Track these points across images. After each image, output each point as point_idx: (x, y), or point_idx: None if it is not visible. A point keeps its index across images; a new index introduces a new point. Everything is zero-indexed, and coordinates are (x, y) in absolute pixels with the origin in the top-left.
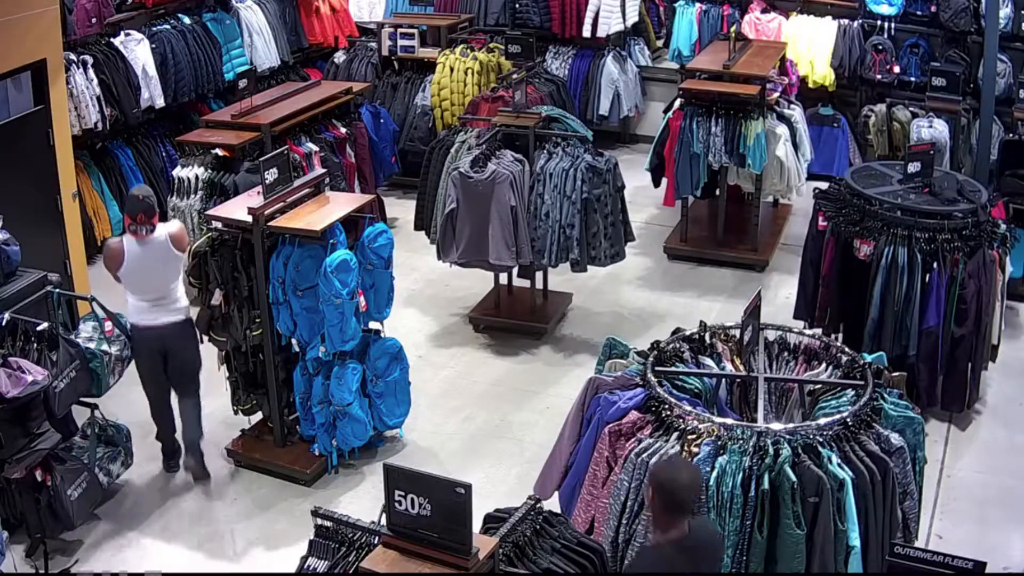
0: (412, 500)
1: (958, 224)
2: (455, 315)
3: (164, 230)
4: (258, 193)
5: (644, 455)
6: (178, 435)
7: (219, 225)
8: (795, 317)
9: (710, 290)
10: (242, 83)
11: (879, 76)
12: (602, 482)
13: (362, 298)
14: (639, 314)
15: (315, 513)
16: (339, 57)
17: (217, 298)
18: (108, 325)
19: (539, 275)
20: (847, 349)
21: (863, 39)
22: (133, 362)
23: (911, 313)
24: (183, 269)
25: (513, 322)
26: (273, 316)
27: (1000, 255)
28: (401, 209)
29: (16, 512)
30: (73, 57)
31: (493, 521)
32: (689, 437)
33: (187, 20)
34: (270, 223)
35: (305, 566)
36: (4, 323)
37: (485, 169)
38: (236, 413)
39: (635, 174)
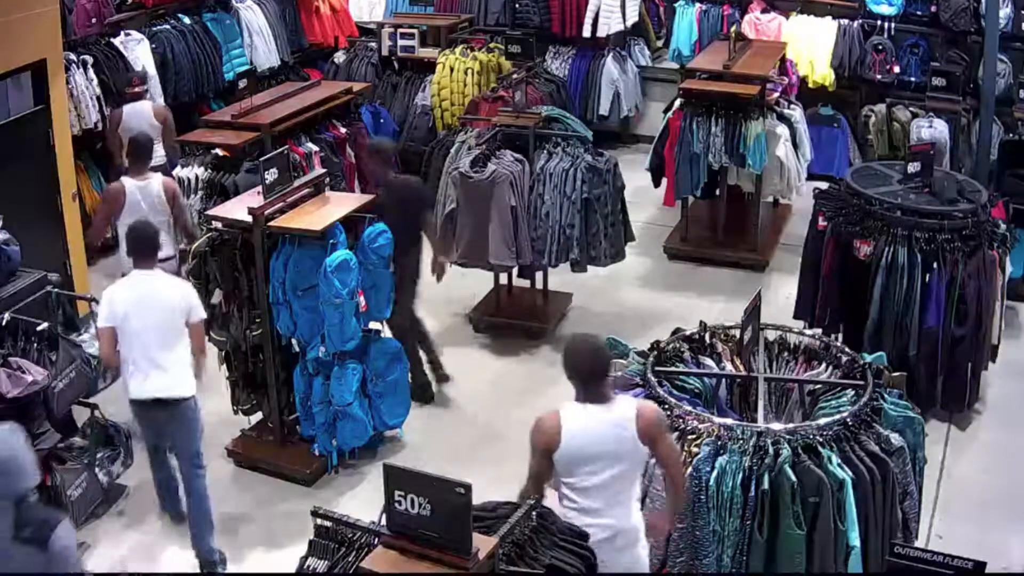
0: (412, 500)
1: (958, 224)
2: (455, 315)
3: (159, 179)
4: (258, 193)
5: None
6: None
7: (219, 225)
8: (795, 317)
9: (710, 290)
10: (242, 83)
11: (879, 76)
12: None
13: (362, 298)
14: (639, 314)
15: (315, 513)
16: (339, 57)
17: (217, 298)
18: None
19: (539, 275)
20: (847, 349)
21: (863, 39)
22: None
23: (911, 313)
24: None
25: (513, 322)
26: (273, 316)
27: (1000, 255)
28: None
29: None
30: (73, 57)
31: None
32: (689, 437)
33: (187, 20)
34: (270, 223)
35: (305, 566)
36: (4, 323)
37: (485, 169)
38: (236, 413)
39: (635, 174)
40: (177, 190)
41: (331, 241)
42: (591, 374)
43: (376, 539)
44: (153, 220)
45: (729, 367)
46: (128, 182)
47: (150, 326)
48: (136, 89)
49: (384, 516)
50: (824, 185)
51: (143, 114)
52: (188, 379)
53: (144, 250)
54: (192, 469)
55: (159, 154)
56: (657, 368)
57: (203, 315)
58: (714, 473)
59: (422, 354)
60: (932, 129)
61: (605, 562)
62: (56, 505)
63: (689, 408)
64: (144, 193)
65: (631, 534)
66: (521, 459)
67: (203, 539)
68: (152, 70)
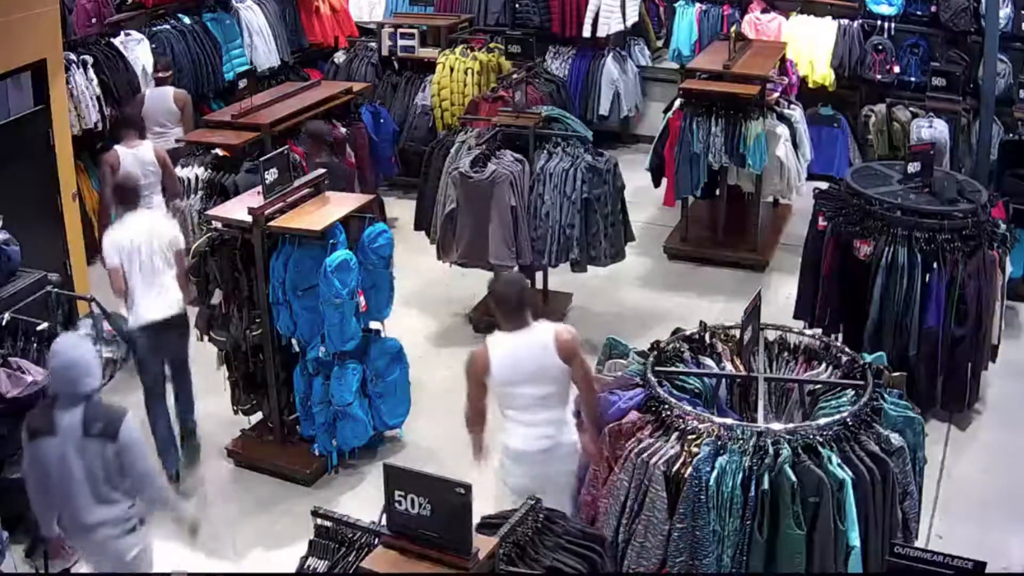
0: (412, 500)
1: (958, 224)
2: (455, 315)
3: (149, 146)
4: (258, 193)
5: (644, 455)
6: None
7: (219, 225)
8: (795, 317)
9: (710, 290)
10: (242, 83)
11: (879, 76)
12: (602, 482)
13: (362, 298)
14: (639, 314)
15: (315, 513)
16: (339, 57)
17: (217, 298)
18: (107, 325)
19: (539, 275)
20: (847, 349)
21: (863, 39)
22: (124, 366)
23: (911, 313)
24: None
25: None
26: (273, 316)
27: (1000, 255)
28: (401, 209)
29: (16, 512)
30: (73, 57)
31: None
32: (689, 437)
33: (187, 20)
34: (270, 223)
35: (305, 566)
36: (4, 323)
37: (485, 169)
38: (236, 413)
39: (635, 174)
40: (167, 157)
41: (331, 241)
42: (516, 306)
43: (376, 539)
44: (145, 184)
45: (729, 367)
46: (120, 148)
47: (154, 253)
48: (160, 74)
49: (384, 516)
50: (824, 185)
51: (164, 98)
52: (180, 297)
53: (131, 197)
54: (185, 373)
55: (177, 137)
56: (657, 368)
57: (183, 244)
58: (714, 473)
59: None
60: (932, 129)
61: (549, 472)
62: None
63: (689, 408)
64: (136, 158)
65: (570, 447)
66: None
67: (187, 415)
68: (152, 70)
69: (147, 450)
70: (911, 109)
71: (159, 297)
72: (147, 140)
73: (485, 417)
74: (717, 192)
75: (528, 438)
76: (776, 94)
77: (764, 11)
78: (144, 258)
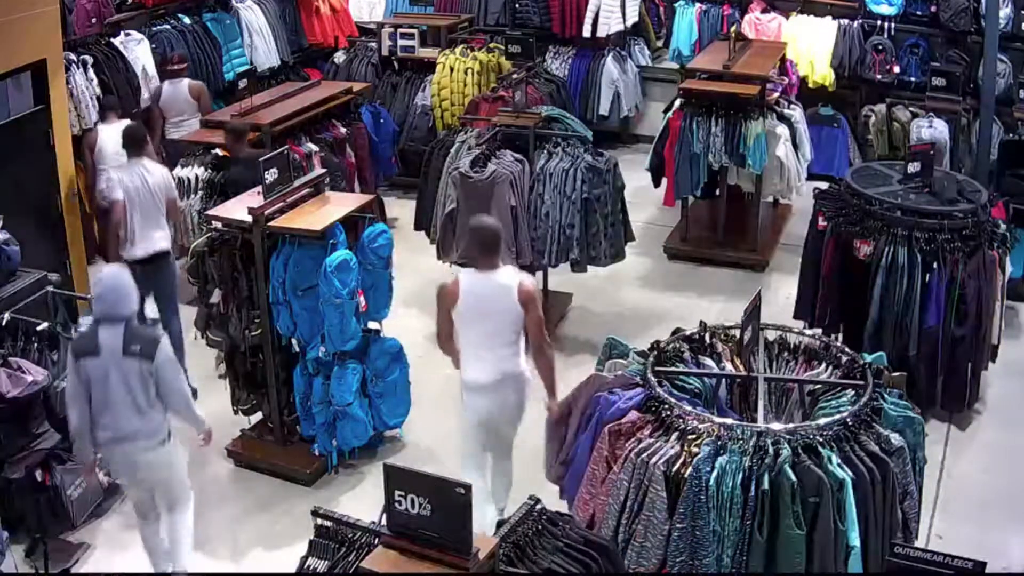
0: (412, 500)
1: (958, 224)
2: None
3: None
4: (258, 193)
5: (644, 455)
6: None
7: (219, 225)
8: (795, 317)
9: (710, 290)
10: (242, 83)
11: (879, 76)
12: (601, 481)
13: (362, 298)
14: (639, 314)
15: (315, 513)
16: (339, 57)
17: (216, 298)
18: None
19: (539, 275)
20: (847, 349)
21: (863, 39)
22: None
23: (911, 313)
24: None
25: None
26: (273, 316)
27: (1000, 255)
28: (401, 209)
29: (16, 512)
30: (73, 57)
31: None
32: (689, 437)
33: (187, 20)
34: (270, 223)
35: (305, 566)
36: (4, 323)
37: (485, 169)
38: (236, 413)
39: (635, 174)
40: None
41: (331, 241)
42: (491, 247)
43: (376, 539)
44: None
45: (729, 367)
46: (101, 127)
47: (153, 191)
48: (176, 66)
49: (384, 516)
50: (824, 185)
51: (180, 90)
52: (166, 235)
53: (135, 144)
54: (171, 315)
55: (193, 128)
56: (657, 368)
57: (176, 194)
58: (714, 473)
59: None
60: (932, 129)
61: (500, 402)
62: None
63: (689, 408)
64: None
65: (519, 378)
66: (520, 459)
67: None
68: (152, 70)
69: (179, 368)
70: (911, 109)
71: (149, 238)
72: (125, 120)
73: (453, 339)
74: (717, 192)
75: (481, 371)
76: (776, 94)
77: (764, 11)
78: (143, 199)
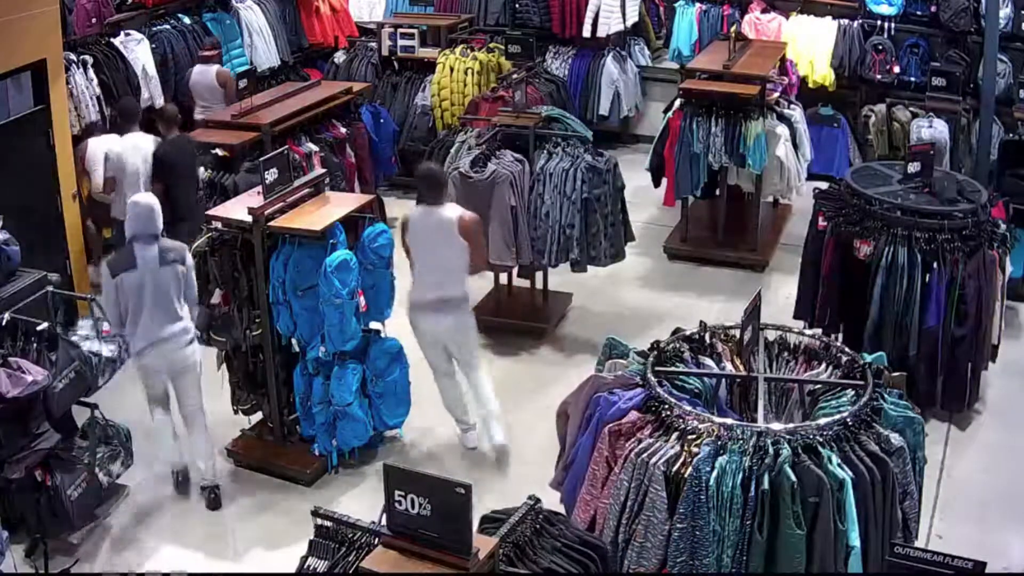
0: (412, 500)
1: (958, 224)
2: None
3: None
4: (258, 193)
5: (644, 455)
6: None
7: (219, 225)
8: (795, 317)
9: (710, 290)
10: (242, 83)
11: (879, 76)
12: (602, 482)
13: (362, 298)
14: (639, 314)
15: (315, 513)
16: (339, 57)
17: (216, 298)
18: (106, 325)
19: (539, 275)
20: (847, 349)
21: (863, 39)
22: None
23: (911, 313)
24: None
25: (513, 322)
26: (273, 316)
27: (1000, 255)
28: (401, 209)
29: (16, 512)
30: (73, 57)
31: (490, 522)
32: (689, 437)
33: (187, 20)
34: (270, 223)
35: (305, 566)
36: (4, 323)
37: (485, 169)
38: (236, 413)
39: (635, 174)
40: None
41: (331, 241)
42: (436, 186)
43: (376, 539)
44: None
45: (729, 367)
46: (91, 141)
47: (140, 163)
48: (206, 53)
49: (384, 516)
50: (824, 185)
51: (207, 75)
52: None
53: (129, 116)
54: None
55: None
56: (657, 368)
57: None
58: (714, 473)
59: None
60: (932, 129)
61: (445, 322)
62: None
63: (689, 408)
64: (134, 147)
65: (460, 300)
66: (520, 459)
67: None
68: (152, 70)
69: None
70: (911, 109)
71: None
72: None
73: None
74: (717, 192)
75: (424, 292)
76: (776, 94)
77: (764, 11)
78: (126, 172)
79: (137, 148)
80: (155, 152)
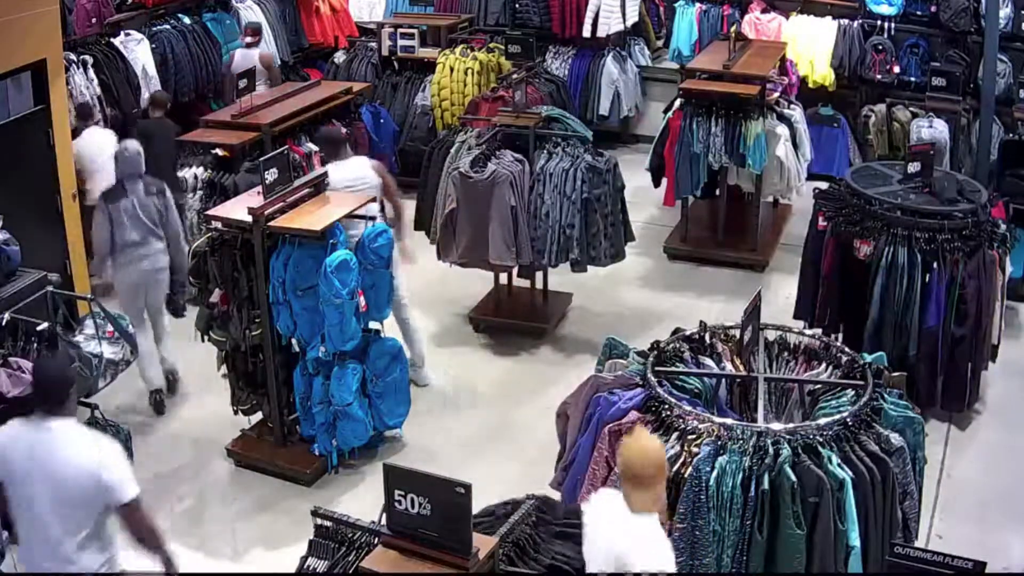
0: (412, 500)
1: (958, 224)
2: (455, 315)
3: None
4: (258, 193)
5: None
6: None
7: (219, 225)
8: (795, 317)
9: (710, 290)
10: (242, 83)
11: (879, 76)
12: (602, 481)
13: (362, 298)
14: (639, 314)
15: (315, 513)
16: (339, 57)
17: (216, 297)
18: (109, 327)
19: (539, 275)
20: (847, 349)
21: (863, 39)
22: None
23: (911, 313)
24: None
25: (513, 322)
26: (273, 316)
27: (1000, 255)
28: None
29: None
30: (73, 57)
31: (489, 515)
32: (689, 437)
33: (187, 20)
34: (270, 223)
35: (305, 566)
36: (4, 323)
37: (485, 169)
38: (236, 413)
39: (635, 174)
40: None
41: (331, 241)
42: (339, 144)
43: (376, 539)
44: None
45: (729, 367)
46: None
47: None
48: (249, 39)
49: (384, 516)
50: (824, 185)
51: (251, 59)
52: None
53: (86, 113)
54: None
55: (262, 93)
56: (657, 368)
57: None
58: (714, 473)
59: None
60: (932, 129)
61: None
62: None
63: (689, 408)
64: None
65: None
66: (520, 459)
67: None
68: (152, 70)
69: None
70: (911, 109)
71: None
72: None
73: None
74: (717, 192)
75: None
76: (776, 94)
77: (764, 11)
78: (106, 162)
79: (101, 147)
80: (137, 127)
